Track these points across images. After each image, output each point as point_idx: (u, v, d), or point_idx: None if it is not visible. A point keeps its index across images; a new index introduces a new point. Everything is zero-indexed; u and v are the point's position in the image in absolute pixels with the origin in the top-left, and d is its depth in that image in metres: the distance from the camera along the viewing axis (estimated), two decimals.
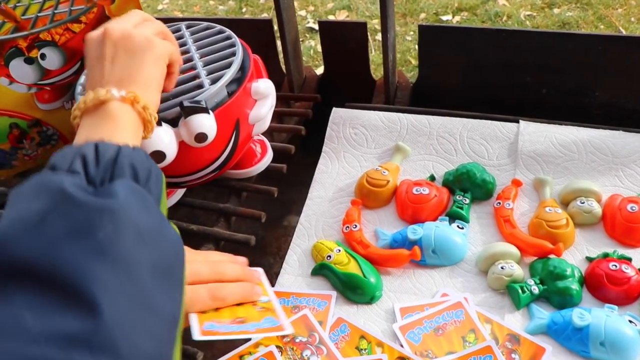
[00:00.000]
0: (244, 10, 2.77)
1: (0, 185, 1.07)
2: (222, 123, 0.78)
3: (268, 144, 0.98)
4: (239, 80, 0.82)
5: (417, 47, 1.06)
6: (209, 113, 0.75)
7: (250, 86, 0.83)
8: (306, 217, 0.92)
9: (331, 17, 2.70)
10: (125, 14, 0.70)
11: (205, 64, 0.82)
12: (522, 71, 1.03)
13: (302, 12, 2.78)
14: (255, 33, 1.10)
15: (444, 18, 2.67)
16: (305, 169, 1.00)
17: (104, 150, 0.51)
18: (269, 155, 0.96)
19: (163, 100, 0.77)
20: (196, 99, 0.76)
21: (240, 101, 0.81)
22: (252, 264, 1.04)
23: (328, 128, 0.99)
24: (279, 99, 1.10)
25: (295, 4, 2.78)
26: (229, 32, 0.87)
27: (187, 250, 0.73)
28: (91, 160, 0.49)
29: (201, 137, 0.75)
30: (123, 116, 0.60)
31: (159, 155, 0.74)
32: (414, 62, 2.40)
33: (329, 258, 0.83)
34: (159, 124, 0.73)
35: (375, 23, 2.61)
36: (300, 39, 1.08)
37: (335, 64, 1.13)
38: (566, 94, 1.03)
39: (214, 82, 0.78)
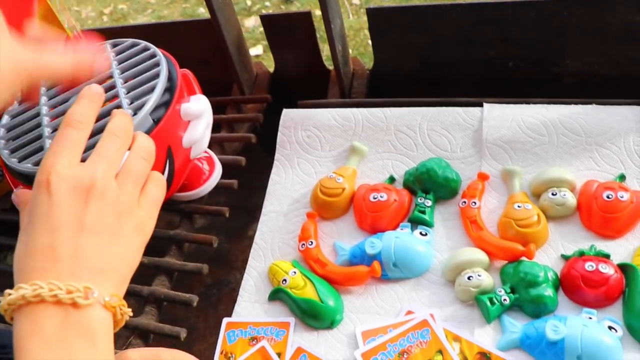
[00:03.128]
0: None
1: None
2: None
3: (216, 159, 0.91)
4: (166, 104, 0.75)
5: None
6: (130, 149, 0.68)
7: (180, 108, 0.76)
8: (261, 235, 0.85)
9: None
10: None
11: (128, 90, 0.75)
12: (485, 46, 0.94)
13: None
14: (199, 36, 1.02)
15: None
16: (268, 172, 0.93)
17: None
18: (218, 171, 0.90)
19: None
20: None
21: (169, 127, 0.74)
22: (218, 281, 0.99)
23: (279, 133, 0.92)
24: (229, 104, 1.03)
25: None
26: (153, 49, 0.79)
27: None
28: None
29: None
30: (102, 328, 0.43)
31: None
32: None
33: (284, 282, 0.77)
34: None
35: None
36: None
37: (285, 58, 1.05)
38: (534, 65, 0.95)
39: (136, 111, 0.72)
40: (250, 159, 0.95)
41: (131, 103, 0.73)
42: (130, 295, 0.83)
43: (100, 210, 0.46)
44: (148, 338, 0.80)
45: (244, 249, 1.02)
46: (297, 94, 0.98)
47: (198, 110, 0.78)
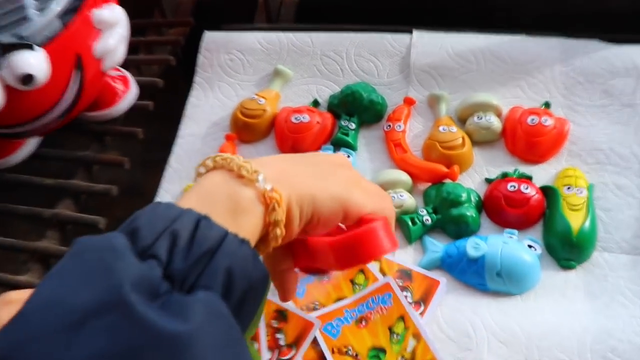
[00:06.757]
0: None
1: None
2: (57, 59, 0.67)
3: (131, 79, 0.86)
4: (76, 9, 0.70)
5: None
6: (33, 49, 0.64)
7: (91, 14, 0.71)
8: (176, 158, 0.81)
9: None
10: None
11: None
12: None
13: None
14: None
15: None
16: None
17: (204, 236, 0.37)
18: (132, 92, 0.85)
19: None
20: (19, 33, 0.64)
21: (78, 32, 0.70)
22: (132, 212, 0.94)
23: (200, 55, 0.87)
24: (150, 27, 0.97)
25: None
26: None
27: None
28: (182, 246, 0.36)
29: (27, 78, 0.64)
30: (248, 206, 0.41)
31: None
32: None
33: None
34: None
35: None
36: None
37: None
38: None
39: (42, 10, 0.66)
40: (171, 88, 0.90)
41: (37, 4, 0.68)
42: (28, 219, 0.78)
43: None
44: (47, 262, 0.74)
45: (160, 182, 0.97)
46: (223, 22, 0.94)
47: (111, 18, 0.73)
